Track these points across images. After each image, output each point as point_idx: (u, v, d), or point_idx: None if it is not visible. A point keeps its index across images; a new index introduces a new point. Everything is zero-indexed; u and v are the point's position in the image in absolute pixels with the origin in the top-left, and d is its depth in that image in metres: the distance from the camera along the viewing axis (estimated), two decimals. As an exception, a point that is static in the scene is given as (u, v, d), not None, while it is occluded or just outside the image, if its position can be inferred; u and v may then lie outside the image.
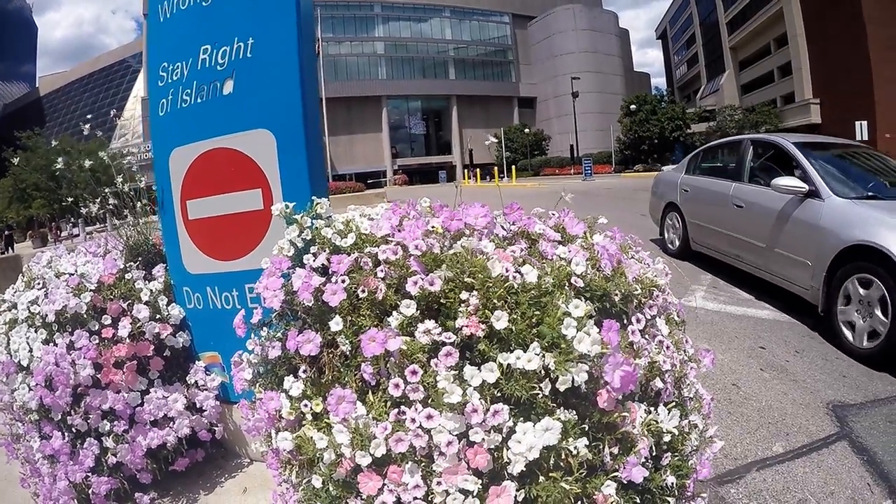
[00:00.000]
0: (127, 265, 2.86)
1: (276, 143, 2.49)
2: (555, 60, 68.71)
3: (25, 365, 2.58)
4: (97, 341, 2.53)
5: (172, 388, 2.66)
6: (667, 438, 1.69)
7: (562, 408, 1.49)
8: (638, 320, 1.85)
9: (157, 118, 2.77)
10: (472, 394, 1.44)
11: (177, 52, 2.69)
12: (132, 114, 62.83)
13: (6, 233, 34.48)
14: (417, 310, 1.64)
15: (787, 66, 47.44)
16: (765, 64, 51.48)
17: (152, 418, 2.58)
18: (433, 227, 1.89)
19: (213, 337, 2.76)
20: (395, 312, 1.65)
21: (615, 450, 1.56)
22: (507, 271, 1.66)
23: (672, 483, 1.66)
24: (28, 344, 2.61)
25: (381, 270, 1.75)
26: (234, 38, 2.53)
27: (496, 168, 46.56)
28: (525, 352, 1.48)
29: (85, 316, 2.59)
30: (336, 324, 1.71)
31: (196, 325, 2.82)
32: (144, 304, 2.65)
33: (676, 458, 1.72)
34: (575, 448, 1.45)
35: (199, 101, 2.62)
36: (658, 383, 1.81)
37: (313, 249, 1.94)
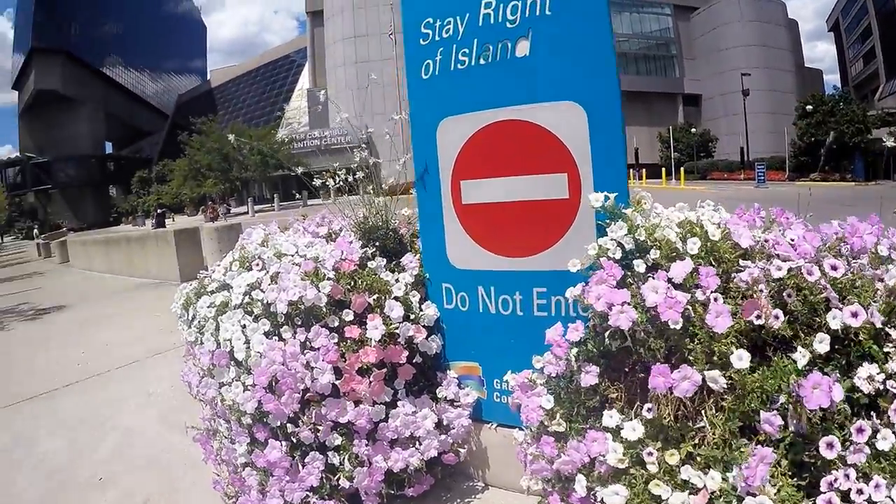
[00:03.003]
0: (367, 252, 2.49)
1: (588, 120, 1.97)
2: (720, 55, 63.15)
3: (240, 359, 2.24)
4: (335, 340, 2.17)
5: (420, 401, 2.24)
6: None
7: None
8: None
9: (419, 81, 2.34)
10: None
11: (447, 6, 2.24)
12: (298, 104, 66.78)
13: (158, 211, 38.48)
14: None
15: None
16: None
17: (395, 437, 2.18)
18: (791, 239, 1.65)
19: (475, 345, 2.33)
20: (800, 348, 1.39)
21: None
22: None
23: None
24: (244, 335, 2.26)
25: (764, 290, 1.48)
26: (527, -10, 2.04)
27: (664, 169, 43.95)
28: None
29: (324, 310, 2.24)
30: (739, 359, 1.39)
31: (451, 329, 2.39)
32: (394, 299, 2.27)
33: None
34: None
35: (481, 63, 2.15)
36: None
37: (654, 255, 1.65)
